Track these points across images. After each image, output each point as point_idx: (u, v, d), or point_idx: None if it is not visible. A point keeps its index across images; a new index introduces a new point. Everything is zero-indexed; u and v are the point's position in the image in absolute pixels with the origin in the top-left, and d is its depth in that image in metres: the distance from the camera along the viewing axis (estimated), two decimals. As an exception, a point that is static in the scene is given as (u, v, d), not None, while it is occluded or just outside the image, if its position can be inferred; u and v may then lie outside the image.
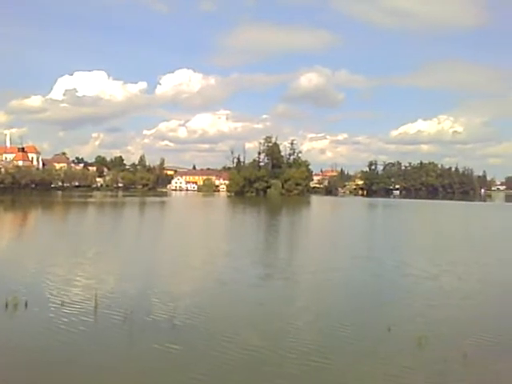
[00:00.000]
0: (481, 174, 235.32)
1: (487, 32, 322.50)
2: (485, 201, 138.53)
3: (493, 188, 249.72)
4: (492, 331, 11.37)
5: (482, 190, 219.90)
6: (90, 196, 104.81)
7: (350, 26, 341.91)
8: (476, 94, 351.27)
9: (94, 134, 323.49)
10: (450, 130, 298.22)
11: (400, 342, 10.61)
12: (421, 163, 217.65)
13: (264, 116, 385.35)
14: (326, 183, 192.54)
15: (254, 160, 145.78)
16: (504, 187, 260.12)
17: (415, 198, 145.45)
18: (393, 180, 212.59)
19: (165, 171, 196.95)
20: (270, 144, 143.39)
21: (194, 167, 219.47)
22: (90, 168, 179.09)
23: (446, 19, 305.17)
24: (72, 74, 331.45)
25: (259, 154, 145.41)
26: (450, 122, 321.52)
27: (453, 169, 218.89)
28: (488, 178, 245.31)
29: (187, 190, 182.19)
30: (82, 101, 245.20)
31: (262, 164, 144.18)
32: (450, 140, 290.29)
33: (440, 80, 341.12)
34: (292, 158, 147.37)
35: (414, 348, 10.19)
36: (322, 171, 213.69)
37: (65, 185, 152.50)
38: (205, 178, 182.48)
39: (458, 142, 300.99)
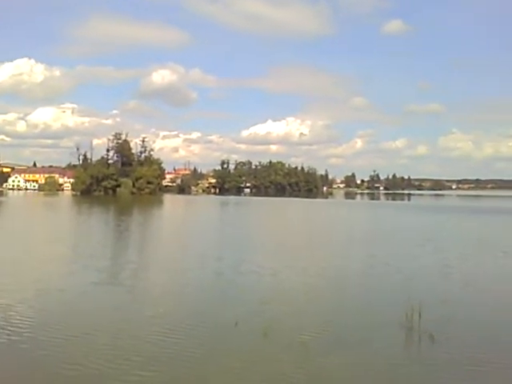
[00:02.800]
0: (323, 173, 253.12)
1: (331, 40, 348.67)
2: (327, 198, 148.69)
3: (334, 186, 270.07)
4: (330, 323, 11.75)
5: (325, 188, 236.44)
6: None
7: (203, 26, 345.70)
8: (320, 99, 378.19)
9: None
10: (296, 132, 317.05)
11: (247, 335, 10.83)
12: (270, 162, 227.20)
13: (114, 111, 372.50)
14: (178, 182, 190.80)
15: (103, 157, 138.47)
16: (343, 185, 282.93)
17: (265, 195, 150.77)
18: (244, 178, 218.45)
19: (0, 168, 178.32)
20: (120, 141, 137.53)
21: (35, 164, 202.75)
22: None
23: (294, 26, 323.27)
24: None
25: (108, 151, 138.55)
26: (297, 124, 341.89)
27: (299, 168, 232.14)
28: (330, 177, 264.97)
29: (26, 189, 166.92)
30: None
31: (111, 162, 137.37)
32: (297, 141, 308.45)
33: (288, 83, 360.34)
34: (143, 155, 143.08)
35: (259, 340, 10.42)
36: (174, 169, 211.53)
37: None
38: (47, 175, 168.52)
39: (303, 143, 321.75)
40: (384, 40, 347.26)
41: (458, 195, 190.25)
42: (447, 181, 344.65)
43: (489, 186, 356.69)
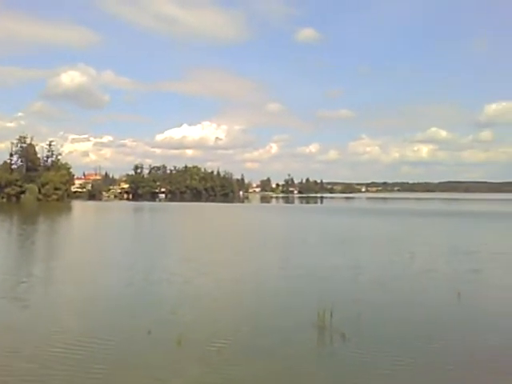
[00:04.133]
0: (239, 177, 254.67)
1: (247, 46, 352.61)
2: (243, 202, 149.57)
3: (250, 190, 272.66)
4: (245, 329, 11.63)
5: (241, 192, 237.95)
6: None
7: (116, 27, 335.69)
8: (236, 103, 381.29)
9: None
10: (212, 136, 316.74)
11: (160, 343, 10.51)
12: (185, 167, 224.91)
13: (19, 114, 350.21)
14: (89, 187, 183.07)
15: (5, 162, 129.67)
16: (259, 189, 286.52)
17: (180, 200, 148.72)
18: (158, 183, 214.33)
19: None
20: (25, 145, 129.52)
21: None
22: None
23: (209, 30, 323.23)
24: None
25: (11, 155, 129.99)
26: (213, 128, 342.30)
27: (215, 172, 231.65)
28: (246, 181, 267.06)
29: None
30: None
31: (14, 167, 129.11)
32: (213, 145, 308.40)
33: (204, 87, 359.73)
34: (50, 160, 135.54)
35: (173, 348, 10.16)
36: (84, 175, 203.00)
37: None
38: None
39: (219, 148, 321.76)
40: (297, 47, 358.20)
41: (367, 198, 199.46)
42: (357, 184, 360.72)
43: (395, 188, 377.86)
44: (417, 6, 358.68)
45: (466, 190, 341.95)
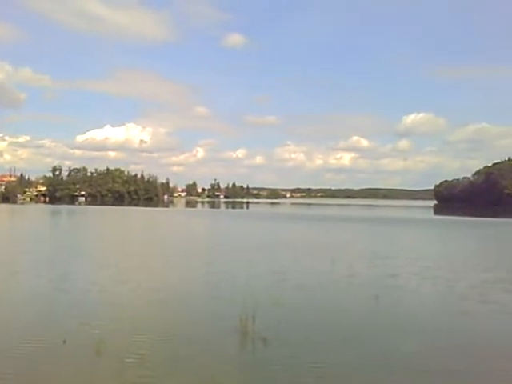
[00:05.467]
0: (164, 181, 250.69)
1: (175, 49, 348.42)
2: (168, 206, 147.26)
3: (175, 194, 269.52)
4: (166, 338, 11.35)
5: (166, 197, 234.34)
6: None
7: (38, 24, 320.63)
8: (162, 106, 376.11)
9: None
10: (137, 138, 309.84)
11: (78, 351, 10.15)
12: (107, 170, 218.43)
13: None
14: (2, 189, 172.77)
15: None
16: (185, 193, 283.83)
17: (101, 204, 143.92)
18: (78, 186, 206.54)
19: None
20: None
21: None
22: None
23: (137, 31, 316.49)
24: None
25: None
26: (138, 130, 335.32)
27: (139, 176, 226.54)
28: (171, 185, 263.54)
29: None
30: None
31: None
32: (137, 148, 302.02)
33: (129, 88, 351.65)
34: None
35: (91, 357, 9.80)
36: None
37: None
38: None
39: (144, 150, 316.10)
40: (225, 52, 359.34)
41: (292, 203, 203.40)
42: (282, 190, 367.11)
43: (319, 194, 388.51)
44: (344, 18, 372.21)
45: (385, 197, 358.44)
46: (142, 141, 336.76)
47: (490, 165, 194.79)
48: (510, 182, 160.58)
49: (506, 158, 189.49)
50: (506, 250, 34.02)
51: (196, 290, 17.20)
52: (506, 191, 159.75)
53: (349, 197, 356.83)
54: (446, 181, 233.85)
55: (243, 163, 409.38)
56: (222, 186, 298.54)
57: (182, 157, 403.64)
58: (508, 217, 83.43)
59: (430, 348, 10.92)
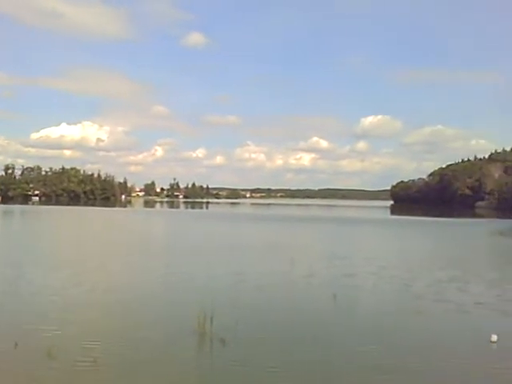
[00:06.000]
0: (122, 180, 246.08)
1: (134, 47, 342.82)
2: (125, 206, 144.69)
3: (133, 194, 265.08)
4: (122, 341, 11.11)
5: (123, 196, 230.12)
6: None
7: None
8: (120, 104, 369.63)
9: None
10: (93, 137, 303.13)
11: (30, 355, 9.92)
12: (63, 169, 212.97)
13: None
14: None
15: None
16: (143, 194, 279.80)
17: (56, 204, 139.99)
18: (32, 186, 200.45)
19: None
20: None
21: None
22: None
23: (95, 27, 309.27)
24: None
25: None
26: (95, 129, 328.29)
27: (95, 175, 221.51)
28: (129, 185, 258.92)
29: None
30: None
31: None
32: (94, 147, 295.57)
33: (86, 86, 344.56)
34: None
35: (44, 359, 9.62)
36: None
37: None
38: None
39: (101, 149, 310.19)
40: (186, 51, 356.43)
41: (252, 203, 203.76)
42: (242, 190, 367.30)
43: (279, 194, 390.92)
44: (306, 18, 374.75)
45: (344, 197, 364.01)
46: (98, 139, 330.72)
47: (444, 166, 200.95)
48: (462, 182, 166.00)
49: (460, 160, 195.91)
50: (459, 248, 35.09)
51: (153, 291, 16.93)
52: (459, 192, 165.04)
53: (308, 197, 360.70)
54: (402, 182, 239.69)
55: (203, 163, 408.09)
56: (182, 185, 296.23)
57: (140, 156, 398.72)
58: (461, 216, 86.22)
59: (385, 347, 11.10)
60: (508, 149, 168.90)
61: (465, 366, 10.01)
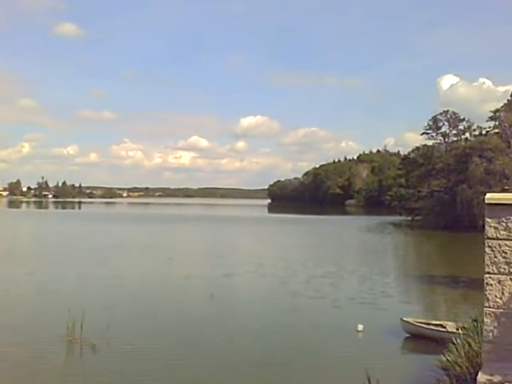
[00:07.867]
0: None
1: (1, 35, 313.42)
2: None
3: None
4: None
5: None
6: None
7: None
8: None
9: None
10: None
11: None
12: None
13: None
14: None
15: None
16: (7, 193, 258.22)
17: None
18: None
19: None
20: None
21: None
22: None
23: None
24: None
25: None
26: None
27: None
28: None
29: None
30: None
31: None
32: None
33: None
34: None
35: None
36: None
37: None
38: None
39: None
40: (56, 42, 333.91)
41: (129, 203, 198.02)
42: (118, 189, 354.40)
43: (157, 194, 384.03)
44: (186, 13, 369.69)
45: (223, 196, 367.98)
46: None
47: (317, 166, 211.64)
48: (334, 182, 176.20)
49: (331, 160, 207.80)
50: (333, 245, 37.12)
51: (19, 298, 15.89)
52: (331, 191, 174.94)
53: (187, 196, 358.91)
54: (279, 181, 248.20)
55: (75, 160, 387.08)
56: (51, 184, 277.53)
57: (4, 152, 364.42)
58: (332, 214, 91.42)
59: (258, 344, 11.38)
60: (374, 150, 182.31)
61: (332, 354, 10.61)
